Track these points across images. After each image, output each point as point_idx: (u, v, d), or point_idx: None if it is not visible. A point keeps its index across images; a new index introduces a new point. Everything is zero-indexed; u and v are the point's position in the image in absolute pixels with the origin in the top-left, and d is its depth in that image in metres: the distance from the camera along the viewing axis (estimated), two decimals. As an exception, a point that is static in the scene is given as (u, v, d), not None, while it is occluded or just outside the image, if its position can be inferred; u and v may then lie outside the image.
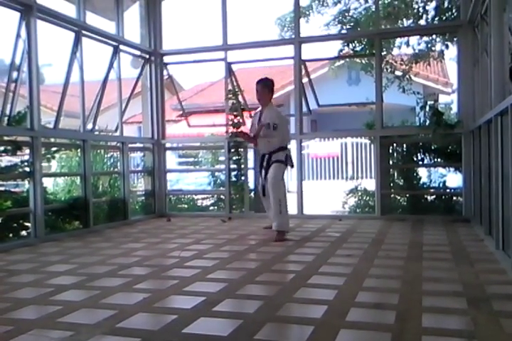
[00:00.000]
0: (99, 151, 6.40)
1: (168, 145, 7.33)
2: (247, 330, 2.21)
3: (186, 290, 2.95)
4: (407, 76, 8.37)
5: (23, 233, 5.14)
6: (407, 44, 8.27)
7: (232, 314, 2.51)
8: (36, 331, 2.27)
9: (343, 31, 8.31)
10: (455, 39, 6.84)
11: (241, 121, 6.68)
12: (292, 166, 5.06)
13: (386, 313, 2.41)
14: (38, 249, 4.50)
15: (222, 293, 2.85)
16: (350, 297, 2.69)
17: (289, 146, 5.11)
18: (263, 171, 4.90)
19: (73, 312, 2.52)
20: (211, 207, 7.87)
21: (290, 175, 13.06)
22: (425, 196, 6.59)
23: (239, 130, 6.31)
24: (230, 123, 6.70)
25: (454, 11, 7.56)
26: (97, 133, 6.29)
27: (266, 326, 2.26)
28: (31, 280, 3.28)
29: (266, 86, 4.95)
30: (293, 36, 7.07)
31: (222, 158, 7.87)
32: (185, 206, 7.85)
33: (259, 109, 5.11)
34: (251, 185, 6.83)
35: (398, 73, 8.34)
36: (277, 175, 4.78)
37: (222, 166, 7.38)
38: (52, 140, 5.70)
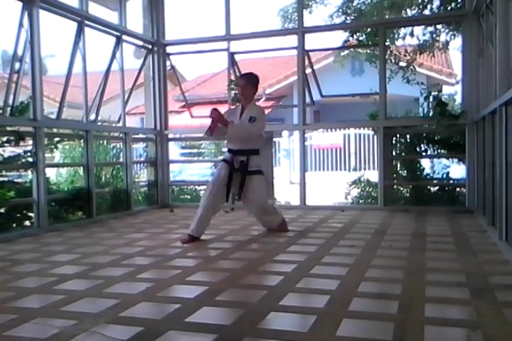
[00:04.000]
0: (102, 142, 6.39)
1: (170, 136, 7.31)
2: (250, 319, 2.22)
3: (189, 279, 2.96)
4: (411, 66, 8.33)
5: (27, 223, 5.15)
6: (412, 34, 8.22)
7: (234, 303, 2.52)
8: (40, 320, 2.28)
9: (347, 22, 8.25)
10: (460, 29, 6.78)
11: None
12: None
13: (389, 303, 2.41)
14: (41, 239, 4.52)
15: (225, 283, 2.85)
16: (353, 287, 2.69)
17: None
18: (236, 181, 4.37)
19: (76, 302, 2.53)
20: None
21: (293, 166, 13.12)
22: (428, 187, 6.57)
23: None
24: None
25: (459, 0, 7.49)
26: (99, 123, 6.28)
27: (269, 315, 2.26)
28: (35, 269, 3.29)
29: (250, 81, 4.44)
30: (296, 26, 7.02)
31: (225, 149, 7.84)
32: (188, 197, 7.86)
33: (237, 106, 4.58)
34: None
35: (402, 64, 8.29)
36: (265, 197, 4.50)
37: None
38: (55, 130, 5.69)
